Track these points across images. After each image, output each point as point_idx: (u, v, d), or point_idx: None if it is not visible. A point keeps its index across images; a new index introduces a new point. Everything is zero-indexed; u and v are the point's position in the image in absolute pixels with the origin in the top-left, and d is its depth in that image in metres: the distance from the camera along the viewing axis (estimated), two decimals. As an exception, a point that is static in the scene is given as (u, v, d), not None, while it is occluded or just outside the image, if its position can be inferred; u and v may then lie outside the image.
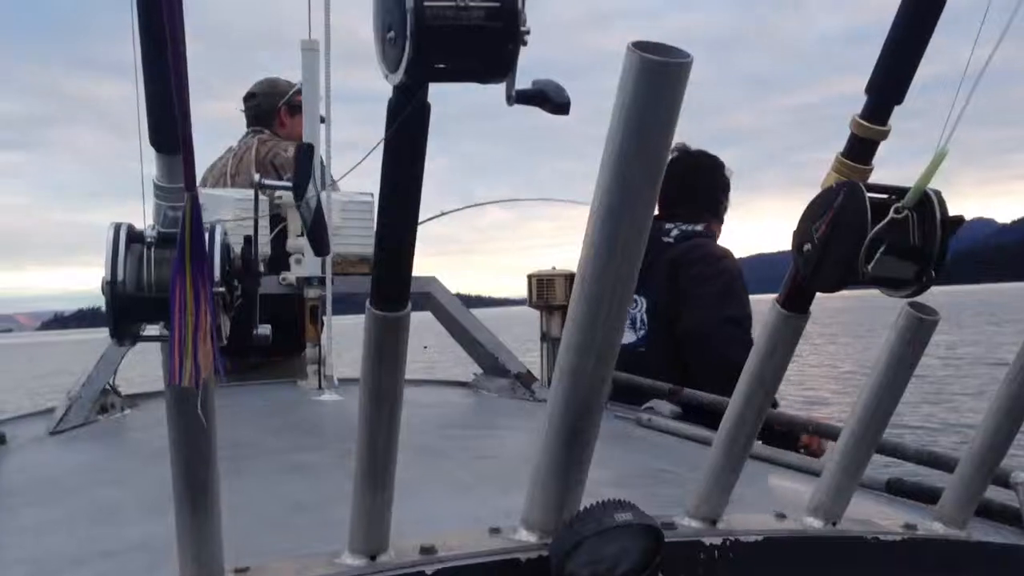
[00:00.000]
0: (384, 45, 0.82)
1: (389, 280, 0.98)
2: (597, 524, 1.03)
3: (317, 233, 1.03)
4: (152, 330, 0.88)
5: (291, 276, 3.11)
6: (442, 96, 0.87)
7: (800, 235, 1.07)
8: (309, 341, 3.07)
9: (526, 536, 1.13)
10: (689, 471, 1.77)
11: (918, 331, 1.21)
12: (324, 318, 3.08)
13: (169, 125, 0.80)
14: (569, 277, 3.72)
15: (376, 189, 0.93)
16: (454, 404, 2.91)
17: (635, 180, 0.91)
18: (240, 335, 0.92)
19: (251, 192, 3.59)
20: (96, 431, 2.42)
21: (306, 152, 1.02)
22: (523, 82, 0.93)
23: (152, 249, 0.83)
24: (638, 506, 1.07)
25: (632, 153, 0.90)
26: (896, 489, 1.83)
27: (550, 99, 0.92)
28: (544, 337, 3.70)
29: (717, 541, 1.20)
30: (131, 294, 0.82)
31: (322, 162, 3.09)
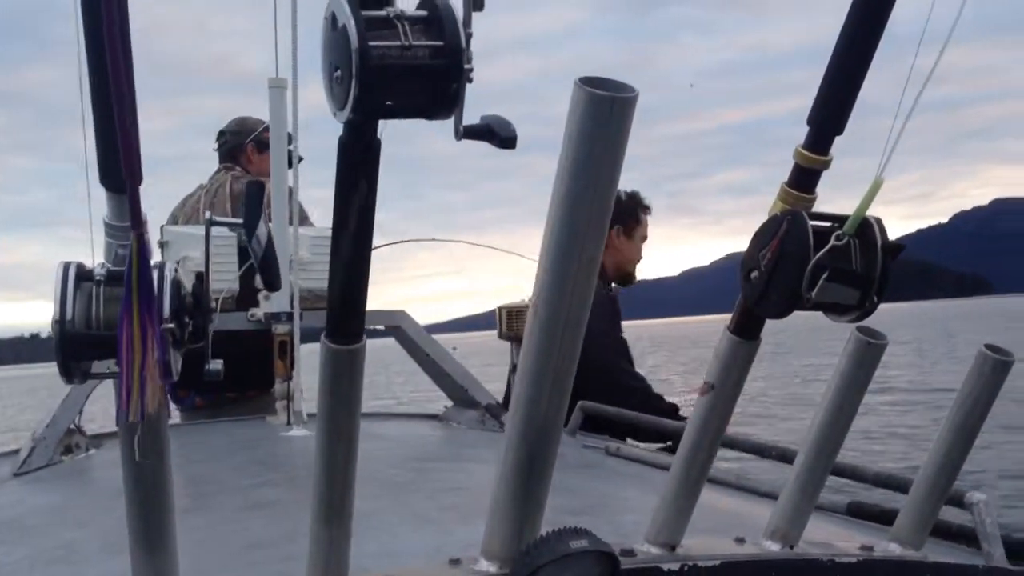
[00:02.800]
0: (332, 83, 0.84)
1: (343, 313, 0.99)
2: (552, 552, 1.03)
3: (268, 270, 1.04)
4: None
5: (259, 312, 3.10)
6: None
7: (748, 263, 1.09)
8: (278, 377, 3.06)
9: (486, 566, 1.13)
10: (654, 499, 1.78)
11: (867, 354, 1.23)
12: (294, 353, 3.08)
13: (118, 164, 0.81)
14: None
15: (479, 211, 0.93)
16: (423, 437, 2.91)
17: (584, 212, 0.93)
18: (192, 371, 0.92)
19: (220, 229, 3.60)
20: (60, 472, 2.40)
21: (255, 189, 1.03)
22: (472, 117, 0.95)
23: (101, 287, 0.84)
24: (595, 534, 1.08)
25: (581, 186, 0.92)
26: (856, 512, 1.85)
27: (497, 134, 0.94)
28: (514, 368, 3.71)
29: (675, 567, 1.21)
30: (80, 332, 0.83)
31: (290, 192, 3.10)
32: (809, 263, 1.02)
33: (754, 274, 1.08)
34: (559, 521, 1.10)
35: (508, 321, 3.70)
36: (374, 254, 0.98)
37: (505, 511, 1.10)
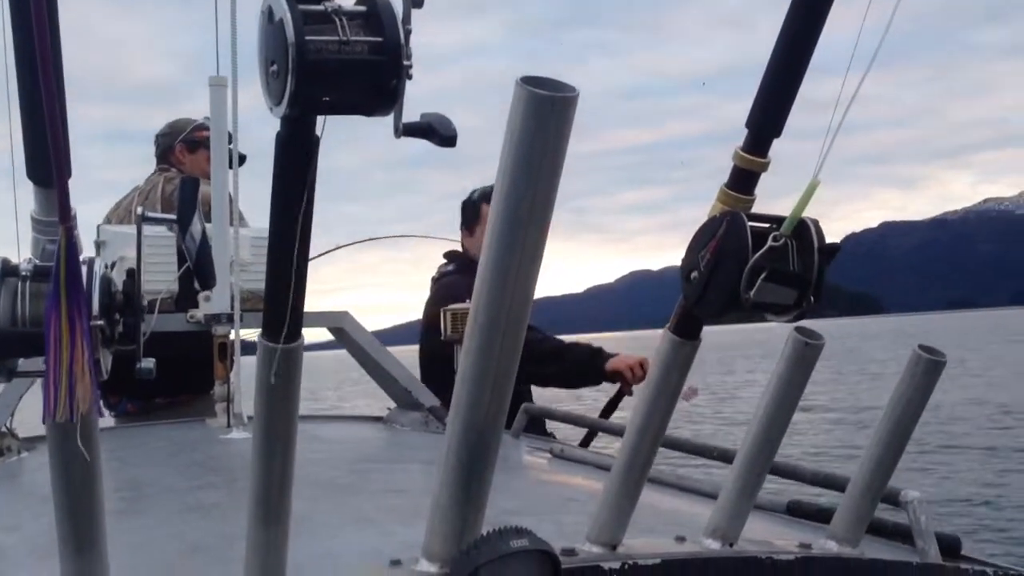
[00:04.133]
0: (268, 77, 0.82)
1: (281, 312, 0.97)
2: (492, 551, 1.03)
3: (202, 267, 1.02)
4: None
5: (199, 313, 3.05)
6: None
7: (687, 264, 1.10)
8: (218, 379, 3.01)
9: (427, 567, 1.13)
10: (596, 499, 1.79)
11: (804, 355, 1.25)
12: (233, 356, 3.03)
13: (46, 157, 0.79)
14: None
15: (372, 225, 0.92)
16: (365, 439, 2.89)
17: (526, 212, 0.93)
18: (123, 369, 0.90)
19: (158, 228, 3.54)
20: None
21: (190, 186, 1.01)
22: (411, 115, 0.94)
23: (27, 283, 0.81)
24: (537, 534, 1.08)
25: (522, 185, 0.92)
26: (795, 511, 1.88)
27: (437, 132, 0.94)
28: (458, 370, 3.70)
29: (616, 565, 1.22)
30: (5, 329, 0.80)
31: (231, 198, 3.06)
32: (747, 263, 1.03)
33: (693, 275, 1.09)
34: (501, 522, 1.10)
35: (453, 323, 3.69)
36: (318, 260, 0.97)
37: (445, 512, 1.09)
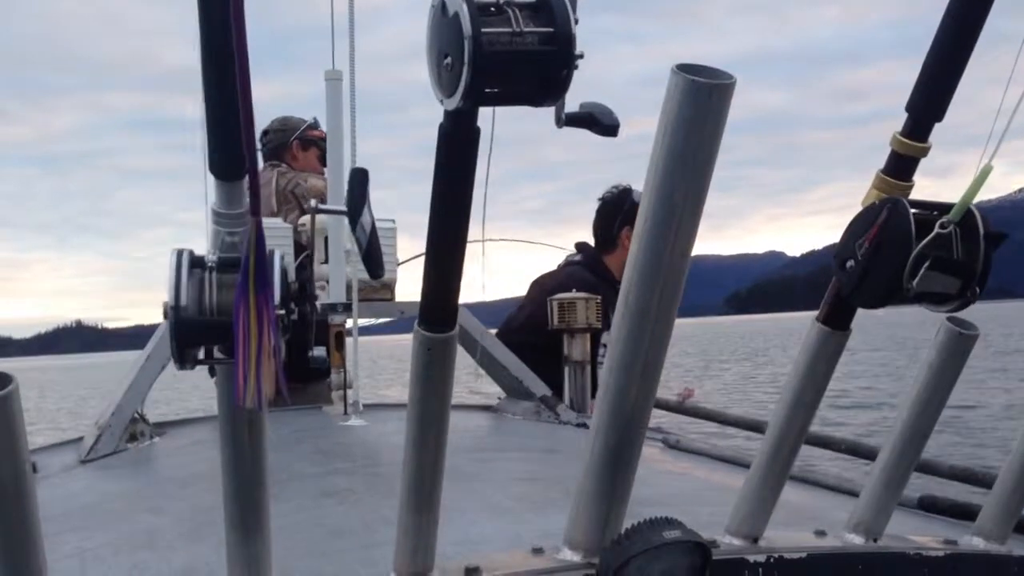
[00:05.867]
0: (440, 71, 0.83)
1: (439, 301, 0.99)
2: (645, 542, 1.03)
3: (372, 256, 1.05)
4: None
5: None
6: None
7: (843, 252, 1.08)
8: (334, 367, 3.08)
9: (570, 556, 1.13)
10: (723, 491, 1.77)
11: (958, 346, 1.21)
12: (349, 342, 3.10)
13: (231, 152, 0.82)
14: (590, 300, 3.74)
15: (396, 215, 0.94)
16: (481, 428, 2.91)
17: (679, 199, 0.92)
18: (297, 358, 0.93)
19: (277, 221, 3.65)
20: (127, 459, 2.44)
21: (359, 177, 1.04)
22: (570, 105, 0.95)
23: (214, 273, 0.85)
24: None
25: (677, 173, 0.91)
26: (929, 506, 1.82)
27: (599, 121, 0.94)
28: (566, 360, 3.71)
29: (761, 558, 1.20)
30: (193, 318, 0.83)
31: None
32: (912, 252, 1.00)
33: (849, 263, 1.07)
34: (635, 513, 1.10)
35: (560, 313, 3.70)
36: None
37: (590, 501, 1.10)
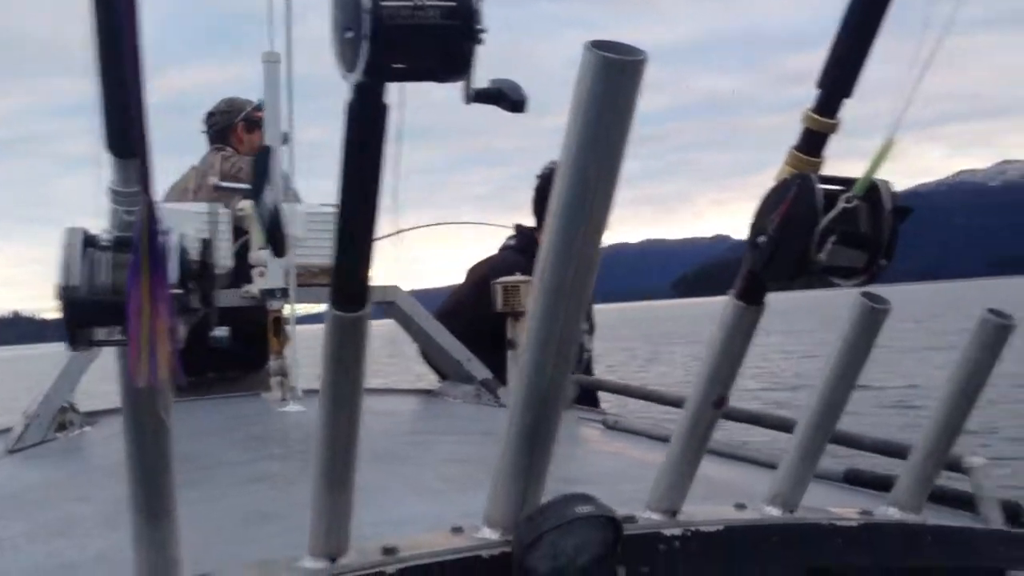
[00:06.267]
0: (341, 45, 0.82)
1: (349, 279, 0.98)
2: (558, 517, 1.04)
3: (274, 234, 1.03)
4: None
5: (254, 288, 3.08)
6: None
7: (755, 228, 1.09)
8: (273, 353, 3.05)
9: (488, 534, 1.13)
10: (652, 468, 1.79)
11: (870, 320, 1.24)
12: (287, 329, 3.07)
13: (126, 129, 0.80)
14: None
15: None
16: (419, 411, 2.91)
17: (592, 176, 0.92)
18: (197, 337, 0.91)
19: (193, 204, 3.59)
20: (55, 448, 2.39)
21: (263, 155, 1.02)
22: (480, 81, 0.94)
23: (108, 253, 0.83)
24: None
25: (589, 150, 0.91)
26: (854, 479, 1.86)
27: (507, 97, 0.93)
28: (511, 344, 3.71)
29: (677, 532, 1.22)
30: (86, 298, 0.82)
31: (285, 176, 3.08)
32: (818, 226, 1.01)
33: (761, 239, 1.08)
34: (558, 491, 1.10)
35: (504, 296, 3.71)
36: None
37: (508, 479, 1.10)
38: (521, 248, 4.05)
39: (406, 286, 3.33)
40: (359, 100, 0.86)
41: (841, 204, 1.01)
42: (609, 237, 1.02)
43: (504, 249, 4.16)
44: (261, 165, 1.04)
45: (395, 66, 0.82)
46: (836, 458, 1.95)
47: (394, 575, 1.08)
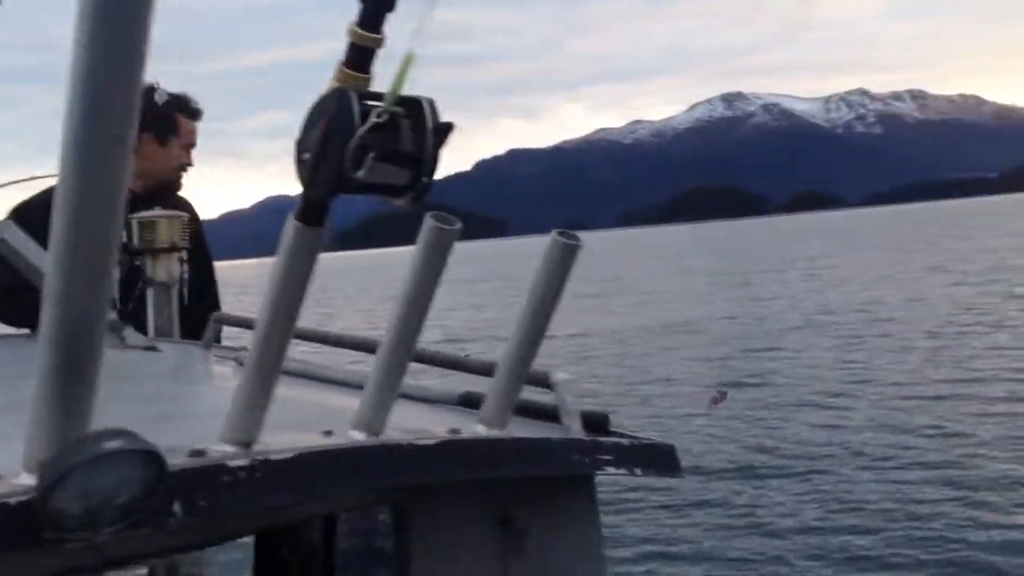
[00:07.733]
0: None
1: None
2: (84, 453, 0.95)
3: None
4: None
5: None
6: None
7: (300, 143, 1.05)
8: None
9: (27, 480, 1.03)
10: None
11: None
12: None
13: None
14: (173, 218, 3.54)
15: None
16: (21, 357, 2.64)
17: (109, 88, 0.85)
18: None
19: None
20: None
21: None
22: None
23: None
24: (171, 438, 1.01)
25: (104, 62, 0.84)
26: (470, 402, 1.92)
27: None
28: (150, 282, 3.49)
29: (244, 462, 1.18)
30: None
31: None
32: (353, 140, 0.99)
33: (305, 155, 1.04)
34: (144, 431, 1.02)
35: (140, 232, 3.47)
36: None
37: (44, 419, 1.00)
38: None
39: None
40: None
41: (372, 119, 0.99)
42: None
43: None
44: None
45: None
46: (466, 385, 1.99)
47: None
